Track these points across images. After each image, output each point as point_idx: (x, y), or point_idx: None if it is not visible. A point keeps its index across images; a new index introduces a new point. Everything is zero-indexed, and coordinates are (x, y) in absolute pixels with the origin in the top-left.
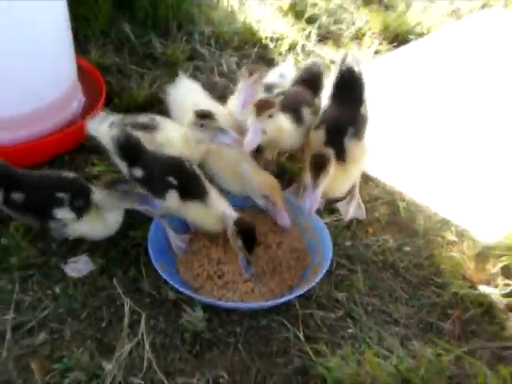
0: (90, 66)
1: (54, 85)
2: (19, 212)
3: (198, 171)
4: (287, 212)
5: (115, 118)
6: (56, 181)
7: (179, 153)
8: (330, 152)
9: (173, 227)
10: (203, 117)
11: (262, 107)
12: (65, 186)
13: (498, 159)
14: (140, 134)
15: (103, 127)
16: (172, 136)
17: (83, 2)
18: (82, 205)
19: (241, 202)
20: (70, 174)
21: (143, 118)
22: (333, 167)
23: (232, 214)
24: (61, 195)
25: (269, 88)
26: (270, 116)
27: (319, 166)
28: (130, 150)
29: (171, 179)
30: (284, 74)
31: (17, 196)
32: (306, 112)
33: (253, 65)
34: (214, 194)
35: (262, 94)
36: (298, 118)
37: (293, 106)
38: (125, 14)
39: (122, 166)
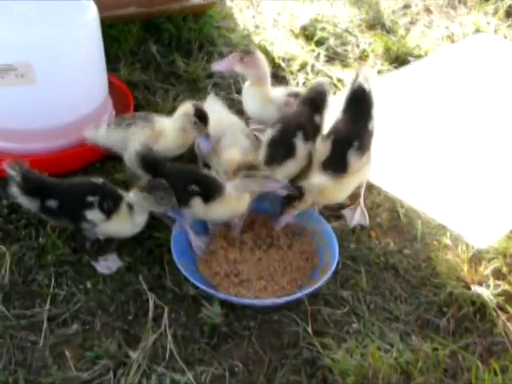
0: (119, 83)
1: (88, 99)
2: (54, 217)
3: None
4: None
5: (110, 120)
6: (86, 186)
7: (174, 141)
8: (320, 175)
9: (194, 229)
10: (199, 118)
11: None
12: (94, 190)
13: (490, 171)
14: (142, 125)
15: (101, 131)
16: (167, 125)
17: (114, 24)
18: (110, 207)
19: (255, 207)
20: (99, 180)
21: (139, 114)
22: (306, 202)
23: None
24: (91, 199)
25: (296, 95)
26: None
27: (288, 202)
28: (152, 163)
29: (194, 187)
30: None
31: (51, 203)
32: (300, 141)
33: (248, 48)
34: (229, 185)
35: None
36: (290, 151)
37: (284, 140)
38: (152, 36)
39: (146, 178)
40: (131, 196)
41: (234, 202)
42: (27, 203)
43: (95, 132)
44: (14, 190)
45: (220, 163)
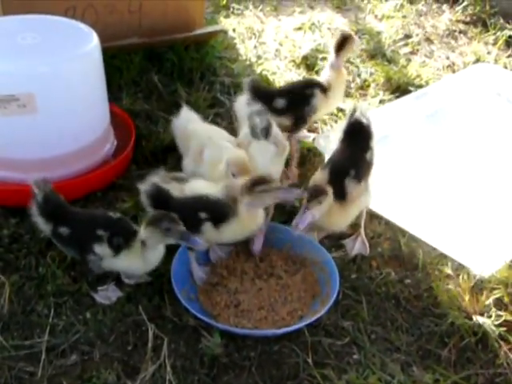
0: (121, 112)
1: (90, 129)
2: (63, 244)
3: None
4: None
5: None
6: (99, 219)
7: None
8: (329, 188)
9: (195, 258)
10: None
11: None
12: (106, 224)
13: (491, 200)
14: (173, 184)
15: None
16: (198, 187)
17: (117, 54)
18: (120, 243)
19: None
20: (116, 214)
21: (181, 174)
22: (329, 201)
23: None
24: (101, 233)
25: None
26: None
27: (315, 195)
28: (160, 200)
29: (203, 214)
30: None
31: (63, 230)
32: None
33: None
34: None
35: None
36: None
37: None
38: (154, 66)
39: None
40: (142, 232)
41: (247, 220)
42: (42, 224)
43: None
44: (33, 209)
45: (207, 173)
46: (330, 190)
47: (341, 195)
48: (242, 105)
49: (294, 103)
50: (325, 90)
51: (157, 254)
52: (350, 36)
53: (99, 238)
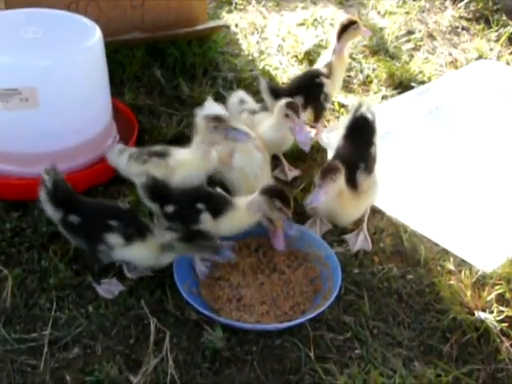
0: (124, 107)
1: (92, 124)
2: (72, 233)
3: (220, 190)
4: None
5: (132, 150)
6: (110, 209)
7: (191, 170)
8: (341, 167)
9: None
10: (214, 120)
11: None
12: (117, 214)
13: (493, 196)
14: (155, 160)
15: (122, 160)
16: (182, 158)
17: (119, 49)
18: (131, 233)
19: (258, 231)
20: (125, 206)
21: (157, 148)
22: (341, 182)
23: (254, 196)
24: (113, 223)
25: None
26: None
27: (328, 172)
28: (160, 192)
29: (200, 205)
30: (244, 100)
31: (73, 218)
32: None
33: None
34: (237, 200)
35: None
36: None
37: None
38: (156, 61)
39: (155, 207)
40: (172, 240)
41: (245, 214)
42: (51, 212)
43: (117, 158)
44: (42, 196)
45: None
46: (342, 169)
47: (353, 185)
48: (235, 103)
49: (311, 97)
50: (327, 75)
51: (172, 258)
52: (354, 22)
53: (111, 227)
